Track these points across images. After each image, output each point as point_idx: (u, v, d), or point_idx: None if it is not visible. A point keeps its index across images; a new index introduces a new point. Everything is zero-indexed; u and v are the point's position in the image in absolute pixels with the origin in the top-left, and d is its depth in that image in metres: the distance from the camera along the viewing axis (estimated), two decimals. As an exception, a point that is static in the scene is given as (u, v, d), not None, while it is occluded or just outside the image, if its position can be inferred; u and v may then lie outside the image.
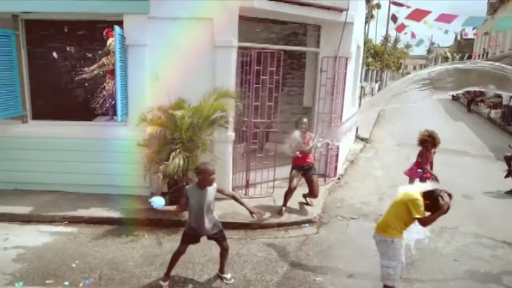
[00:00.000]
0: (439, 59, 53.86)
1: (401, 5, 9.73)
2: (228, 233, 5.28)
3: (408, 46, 75.51)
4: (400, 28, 11.99)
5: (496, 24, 9.28)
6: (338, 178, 8.00)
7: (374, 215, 6.18)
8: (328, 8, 6.62)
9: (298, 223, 5.71)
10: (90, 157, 6.16)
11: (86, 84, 6.76)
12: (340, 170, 8.27)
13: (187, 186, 4.03)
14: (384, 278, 3.58)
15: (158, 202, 3.64)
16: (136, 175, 5.82)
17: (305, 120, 5.88)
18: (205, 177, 3.74)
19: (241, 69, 6.31)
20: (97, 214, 5.63)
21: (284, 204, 5.90)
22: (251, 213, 3.91)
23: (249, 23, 6.78)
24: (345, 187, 7.69)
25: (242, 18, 6.37)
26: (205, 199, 3.79)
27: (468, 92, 25.89)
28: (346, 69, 7.15)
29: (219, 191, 3.93)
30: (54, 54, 6.97)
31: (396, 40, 71.35)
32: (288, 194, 5.83)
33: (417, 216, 3.38)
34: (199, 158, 5.65)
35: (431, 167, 6.32)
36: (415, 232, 4.44)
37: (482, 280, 4.40)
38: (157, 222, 5.41)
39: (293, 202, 6.21)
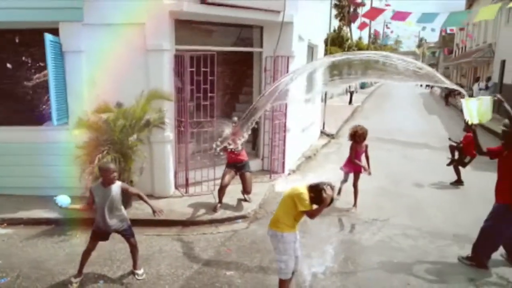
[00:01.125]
0: (426, 55, 54.17)
1: (358, 4, 9.88)
2: (158, 230, 5.56)
3: (398, 42, 76.10)
4: (362, 26, 12.17)
5: (446, 21, 9.45)
6: (289, 174, 8.18)
7: (311, 210, 6.38)
8: (263, 10, 6.79)
9: (230, 219, 5.88)
10: (33, 160, 6.32)
11: (31, 92, 6.90)
12: (291, 166, 8.45)
13: (92, 185, 4.20)
14: (278, 272, 3.74)
15: (63, 201, 3.82)
16: (75, 177, 5.99)
17: (235, 118, 6.05)
18: (106, 176, 3.92)
19: (179, 71, 6.47)
20: (36, 216, 5.80)
21: (219, 201, 6.08)
22: (154, 212, 4.07)
23: (192, 25, 6.97)
24: (293, 182, 7.85)
25: (182, 22, 6.59)
26: (109, 197, 3.95)
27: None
28: (287, 67, 7.31)
29: (124, 189, 4.10)
30: (8, 65, 7.11)
31: (385, 37, 71.66)
32: (220, 191, 6.01)
33: (302, 209, 3.54)
34: (134, 159, 5.83)
35: (367, 160, 6.52)
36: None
37: (391, 270, 4.54)
38: (91, 222, 5.56)
39: (232, 199, 6.41)
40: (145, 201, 4.13)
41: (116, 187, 4.02)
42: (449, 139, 8.29)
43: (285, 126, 7.66)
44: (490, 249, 4.51)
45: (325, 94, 14.65)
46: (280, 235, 3.65)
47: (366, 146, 6.42)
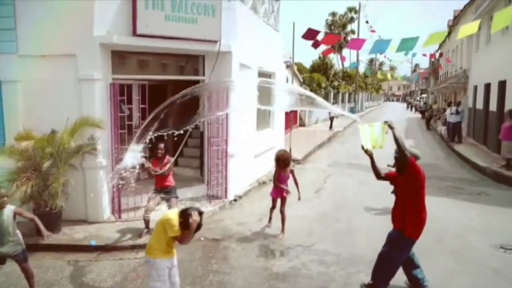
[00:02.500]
0: (419, 80, 54.84)
1: (316, 32, 10.17)
2: (79, 256, 5.61)
3: (392, 68, 77.09)
4: (327, 52, 12.48)
5: (398, 47, 9.71)
6: (235, 200, 8.26)
7: (240, 235, 6.43)
8: (199, 40, 7.08)
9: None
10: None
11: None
12: (239, 192, 8.53)
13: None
14: None
15: None
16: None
17: (161, 145, 6.21)
18: (-4, 201, 4.03)
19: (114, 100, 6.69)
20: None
21: (146, 226, 6.15)
22: (43, 236, 4.15)
23: (131, 55, 7.26)
24: (235, 208, 7.93)
25: (120, 52, 6.89)
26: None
27: (423, 111, 26.47)
28: (227, 95, 7.52)
29: (18, 213, 4.19)
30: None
31: (381, 63, 72.88)
32: (145, 217, 6.08)
33: (171, 235, 3.64)
34: (57, 185, 5.97)
35: (297, 185, 6.58)
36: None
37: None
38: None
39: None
40: (37, 225, 4.21)
41: (8, 211, 4.13)
42: (388, 165, 8.34)
43: (226, 152, 7.79)
44: (387, 275, 4.52)
45: (291, 118, 14.82)
46: (152, 261, 3.72)
47: (292, 171, 6.51)
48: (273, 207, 6.61)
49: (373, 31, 29.81)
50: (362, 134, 4.66)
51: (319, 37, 10.06)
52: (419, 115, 34.74)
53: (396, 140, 4.35)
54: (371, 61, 72.95)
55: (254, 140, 9.19)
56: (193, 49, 7.27)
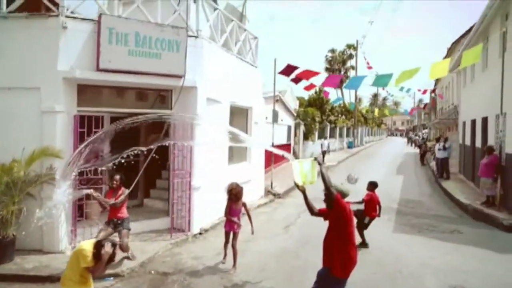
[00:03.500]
0: (422, 115, 54.97)
1: (294, 67, 10.44)
2: (25, 286, 5.57)
3: (396, 103, 77.68)
4: (309, 87, 12.71)
5: (373, 82, 9.93)
6: (200, 233, 8.19)
7: (191, 269, 6.34)
8: (164, 75, 7.32)
9: (100, 277, 5.86)
10: None
11: None
12: (206, 225, 8.46)
13: None
14: None
15: None
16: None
17: (117, 176, 6.29)
18: None
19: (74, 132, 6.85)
20: None
21: (96, 258, 6.11)
22: None
23: (99, 88, 7.52)
24: (197, 241, 7.85)
25: (87, 85, 7.15)
26: None
27: (420, 146, 26.35)
28: (190, 129, 7.68)
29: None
30: None
31: (384, 99, 73.56)
32: (94, 248, 6.06)
33: (84, 265, 3.64)
34: (9, 213, 6.03)
35: (250, 219, 6.55)
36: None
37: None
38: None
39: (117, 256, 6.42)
40: None
41: None
42: (352, 203, 8.24)
43: (189, 184, 7.83)
44: (318, 314, 4.39)
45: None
46: (66, 292, 3.70)
47: (244, 204, 6.50)
48: (226, 241, 6.52)
49: (369, 67, 30.49)
50: (294, 171, 4.70)
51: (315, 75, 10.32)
52: (417, 150, 34.61)
53: (322, 176, 4.38)
54: (375, 96, 73.80)
55: (225, 174, 9.21)
56: (158, 84, 7.51)
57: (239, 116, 10.96)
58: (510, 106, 9.84)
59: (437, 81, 29.02)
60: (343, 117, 35.59)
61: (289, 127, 22.05)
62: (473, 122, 14.84)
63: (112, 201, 6.09)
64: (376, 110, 38.94)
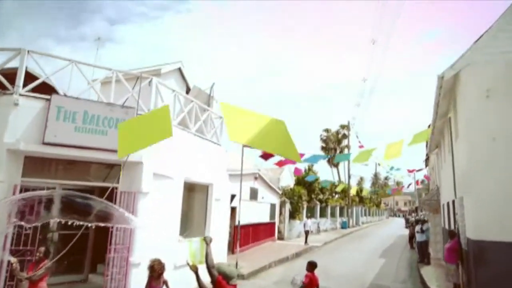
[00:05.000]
0: (423, 194, 54.20)
1: (268, 156, 10.90)
2: None
3: (398, 183, 77.07)
4: (280, 164, 12.99)
5: (355, 158, 10.28)
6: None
7: None
8: (109, 150, 7.65)
9: None
10: None
11: None
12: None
13: None
14: None
15: None
16: None
17: (42, 248, 6.26)
18: None
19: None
20: None
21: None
22: None
23: (47, 160, 7.83)
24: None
25: (35, 157, 7.48)
26: None
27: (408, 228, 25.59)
28: (133, 203, 7.79)
29: None
30: None
31: (386, 179, 73.34)
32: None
33: None
34: None
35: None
36: None
37: None
38: None
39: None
40: None
41: None
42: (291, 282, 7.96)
43: (127, 260, 7.70)
44: None
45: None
46: None
47: (165, 282, 6.31)
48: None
49: (361, 146, 31.11)
50: (186, 250, 4.73)
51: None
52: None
53: (206, 257, 4.42)
54: (375, 175, 73.67)
55: (175, 249, 9.06)
56: (104, 158, 7.82)
57: (200, 192, 11.09)
58: (465, 190, 9.86)
59: (427, 160, 29.23)
60: (337, 196, 35.30)
61: (273, 205, 21.89)
62: (448, 204, 14.69)
63: (25, 274, 5.95)
64: (365, 190, 38.65)
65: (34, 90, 7.93)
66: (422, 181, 31.88)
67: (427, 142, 22.09)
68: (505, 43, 8.68)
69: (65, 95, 7.99)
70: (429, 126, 21.88)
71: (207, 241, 4.56)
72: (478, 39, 9.14)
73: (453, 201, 12.81)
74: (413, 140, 9.62)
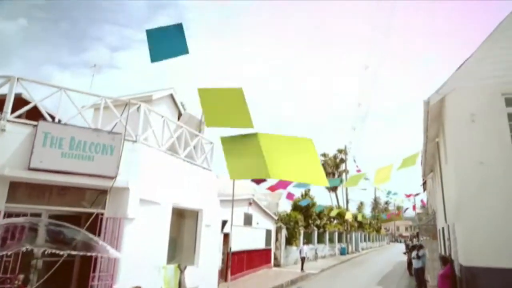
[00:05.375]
0: (423, 219, 53.68)
1: (260, 180, 10.90)
2: None
3: (399, 208, 76.47)
4: (273, 188, 12.96)
5: (346, 182, 10.20)
6: None
7: None
8: (95, 176, 7.66)
9: None
10: None
11: None
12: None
13: None
14: None
15: None
16: None
17: (20, 276, 6.18)
18: None
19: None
20: None
21: None
22: None
23: (32, 186, 7.81)
24: None
25: (19, 183, 7.48)
26: None
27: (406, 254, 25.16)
28: (119, 229, 7.72)
29: None
30: None
31: (387, 203, 72.76)
32: None
33: None
34: None
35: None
36: None
37: None
38: None
39: None
40: None
41: None
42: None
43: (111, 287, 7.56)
44: None
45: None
46: None
47: None
48: None
49: (358, 170, 31.08)
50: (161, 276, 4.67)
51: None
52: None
53: (179, 285, 4.38)
54: (375, 200, 73.16)
55: (160, 277, 8.89)
56: (90, 184, 7.80)
57: (189, 218, 11.00)
58: (456, 215, 9.78)
59: (425, 184, 29.10)
60: (335, 221, 34.90)
61: (269, 231, 21.61)
62: (442, 230, 14.53)
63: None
64: (360, 215, 38.24)
65: (27, 114, 8.03)
66: (422, 206, 31.66)
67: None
68: (487, 68, 8.86)
69: (53, 121, 8.08)
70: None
71: (181, 269, 4.51)
72: (461, 65, 9.33)
73: (448, 226, 12.69)
74: (402, 165, 9.65)
